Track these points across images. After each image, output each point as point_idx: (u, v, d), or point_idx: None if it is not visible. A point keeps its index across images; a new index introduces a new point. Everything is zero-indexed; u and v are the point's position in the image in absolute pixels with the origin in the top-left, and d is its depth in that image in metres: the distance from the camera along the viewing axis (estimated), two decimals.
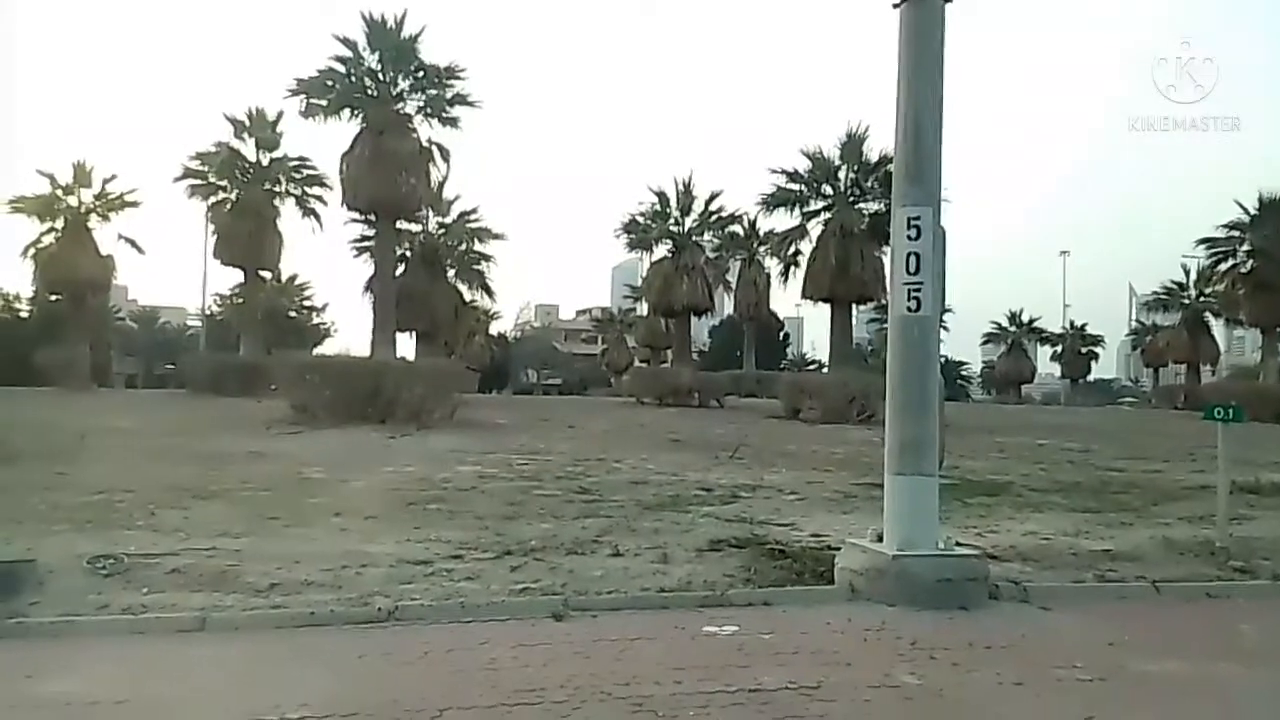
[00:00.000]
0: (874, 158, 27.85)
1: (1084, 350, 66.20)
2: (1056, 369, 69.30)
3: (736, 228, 37.28)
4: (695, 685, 4.55)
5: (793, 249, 30.58)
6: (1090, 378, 69.84)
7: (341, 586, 6.28)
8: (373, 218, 26.96)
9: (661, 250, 35.16)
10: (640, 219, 35.02)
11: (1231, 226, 37.84)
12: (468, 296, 38.33)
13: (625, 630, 5.52)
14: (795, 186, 29.64)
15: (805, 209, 29.78)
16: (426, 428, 18.16)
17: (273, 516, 8.74)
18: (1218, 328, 50.75)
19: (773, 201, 29.99)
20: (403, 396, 19.32)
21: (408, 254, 33.70)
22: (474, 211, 36.20)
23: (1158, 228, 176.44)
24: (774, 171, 29.62)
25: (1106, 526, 9.35)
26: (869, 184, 28.44)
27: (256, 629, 5.55)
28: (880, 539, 6.68)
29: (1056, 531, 8.94)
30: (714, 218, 35.08)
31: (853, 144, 28.64)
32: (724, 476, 12.67)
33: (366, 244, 33.03)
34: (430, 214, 33.37)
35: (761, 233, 36.96)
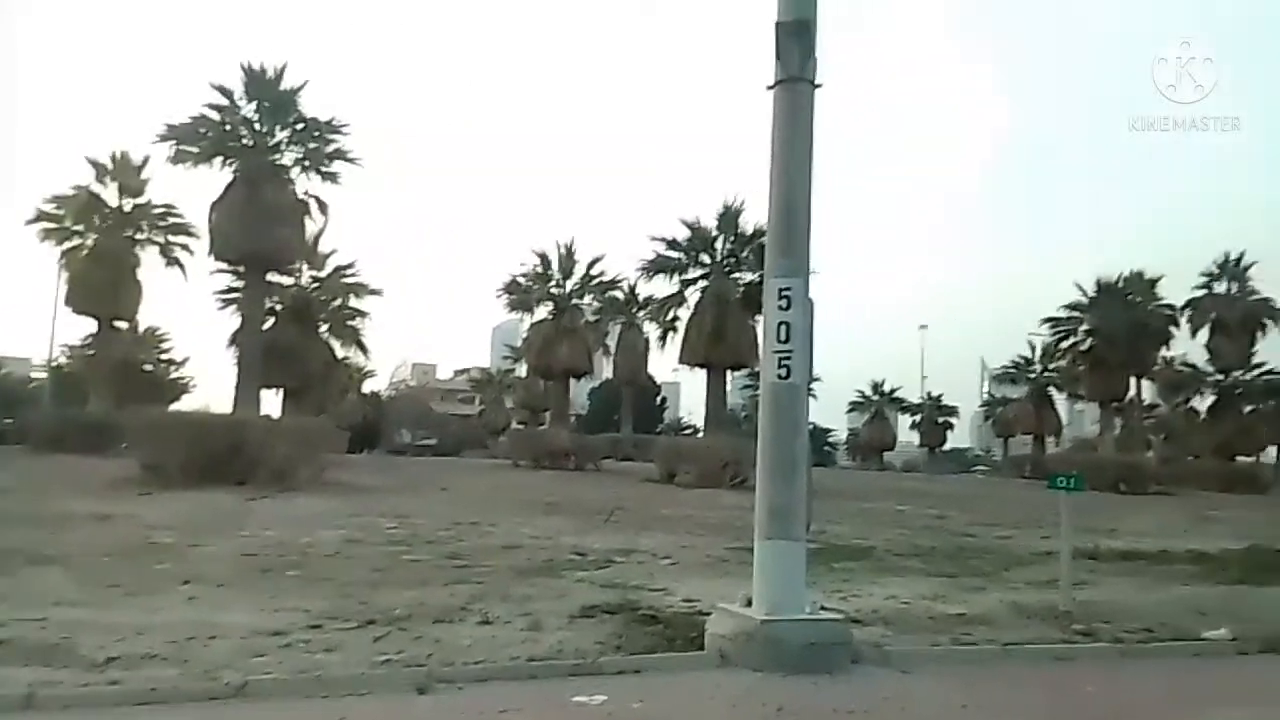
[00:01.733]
0: (749, 230, 28.92)
1: (940, 420, 69.70)
2: (916, 437, 72.57)
3: (617, 292, 37.85)
4: None
5: (671, 315, 31.24)
6: (946, 446, 73.39)
7: (187, 660, 5.88)
8: (241, 269, 26.03)
9: (542, 312, 35.27)
10: (521, 280, 35.11)
11: (1072, 307, 40.88)
12: (340, 353, 37.23)
13: (492, 702, 5.37)
14: (675, 254, 30.41)
15: (684, 277, 30.57)
16: (290, 489, 17.38)
17: (114, 584, 8.14)
18: (1060, 401, 54.45)
19: (653, 268, 30.68)
20: (265, 456, 18.46)
21: (277, 308, 32.56)
22: (350, 266, 35.44)
23: (1009, 305, 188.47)
24: (654, 239, 30.38)
25: (961, 591, 9.75)
26: (744, 255, 29.45)
27: (90, 707, 5.12)
28: (749, 604, 6.76)
29: (915, 595, 9.26)
30: (595, 281, 35.55)
31: (729, 216, 29.70)
32: (599, 541, 12.60)
33: (234, 296, 31.78)
34: (304, 267, 32.51)
35: (641, 298, 37.66)
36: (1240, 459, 45.47)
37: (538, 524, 14.35)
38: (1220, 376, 45.48)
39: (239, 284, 29.28)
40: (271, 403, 30.22)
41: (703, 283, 30.22)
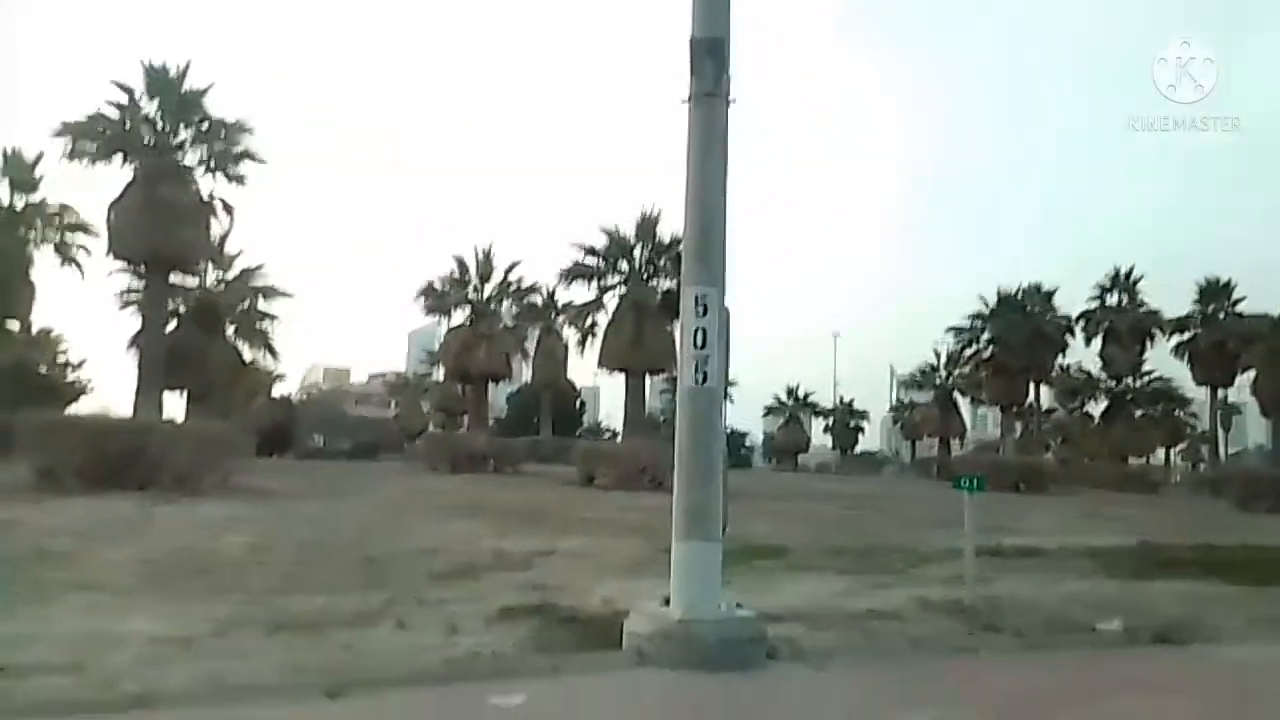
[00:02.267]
0: (667, 238, 29.22)
1: (852, 424, 71.65)
2: (829, 440, 74.34)
3: (536, 298, 37.75)
4: None
5: (590, 321, 31.32)
6: (858, 449, 75.38)
7: (82, 670, 5.62)
8: (142, 269, 25.07)
9: (460, 316, 34.93)
10: (438, 284, 34.71)
11: (975, 317, 42.59)
12: (249, 356, 36.06)
13: (407, 707, 5.30)
14: (593, 261, 30.51)
15: (603, 283, 30.71)
16: (195, 494, 16.75)
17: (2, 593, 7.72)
18: (965, 406, 56.52)
19: (572, 274, 30.72)
20: (168, 461, 17.76)
21: (181, 310, 31.42)
22: (259, 268, 34.44)
23: (919, 313, 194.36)
24: (574, 245, 30.40)
25: (871, 588, 10.01)
26: (662, 262, 29.74)
27: None
28: (667, 603, 6.82)
29: (827, 593, 9.48)
30: (513, 287, 35.43)
31: (647, 224, 29.94)
32: (518, 543, 12.52)
33: (134, 297, 30.54)
34: (209, 268, 31.48)
35: (560, 304, 37.61)
36: (1132, 460, 47.89)
37: (455, 527, 14.17)
38: (1113, 383, 47.89)
39: (140, 285, 28.21)
40: (175, 406, 29.17)
41: (621, 289, 30.38)
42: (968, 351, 44.17)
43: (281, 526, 13.38)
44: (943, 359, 53.30)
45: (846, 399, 71.13)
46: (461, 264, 34.72)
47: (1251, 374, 40.56)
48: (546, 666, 6.21)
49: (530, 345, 42.63)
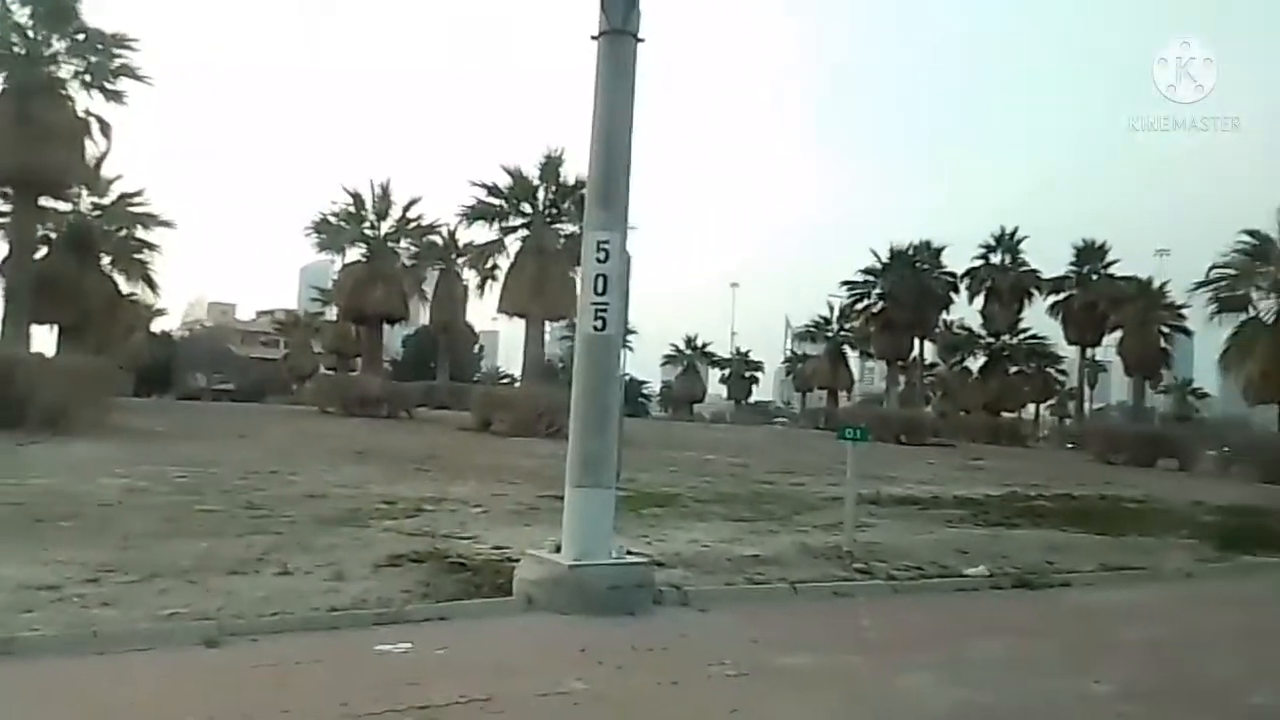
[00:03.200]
0: (571, 181, 28.82)
1: (747, 374, 73.17)
2: (724, 390, 75.82)
3: (435, 237, 36.82)
4: (362, 707, 4.41)
5: (491, 263, 30.79)
6: (752, 399, 77.18)
7: None
8: (9, 191, 23.30)
9: (355, 254, 33.82)
10: (333, 219, 33.44)
11: (867, 272, 43.73)
12: (126, 288, 34.12)
13: (288, 654, 5.23)
14: (495, 202, 29.90)
15: (505, 224, 30.14)
16: (67, 434, 15.94)
17: None
18: (854, 359, 58.37)
19: (473, 214, 30.05)
20: (37, 397, 16.81)
21: (52, 236, 29.41)
22: (139, 194, 32.38)
23: (815, 267, 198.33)
24: (475, 184, 29.70)
25: (757, 534, 10.36)
26: (565, 206, 29.37)
27: None
28: (558, 550, 6.91)
29: (715, 539, 9.75)
30: (412, 225, 34.42)
31: (551, 166, 29.46)
32: (409, 489, 12.40)
33: (0, 221, 28.41)
34: (84, 193, 29.47)
35: (461, 244, 36.81)
36: (1005, 414, 50.49)
37: (344, 472, 13.93)
38: (991, 339, 50.13)
39: (6, 208, 26.22)
40: (45, 341, 27.50)
41: (524, 232, 29.92)
42: (859, 306, 45.43)
43: (160, 468, 12.88)
44: (835, 313, 54.76)
45: (743, 350, 72.56)
46: (358, 199, 33.53)
47: (1119, 334, 43.13)
48: (434, 614, 6.23)
49: (428, 286, 41.73)
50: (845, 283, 45.14)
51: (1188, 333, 40.74)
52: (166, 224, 32.86)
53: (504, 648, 5.69)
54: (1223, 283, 29.79)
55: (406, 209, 33.96)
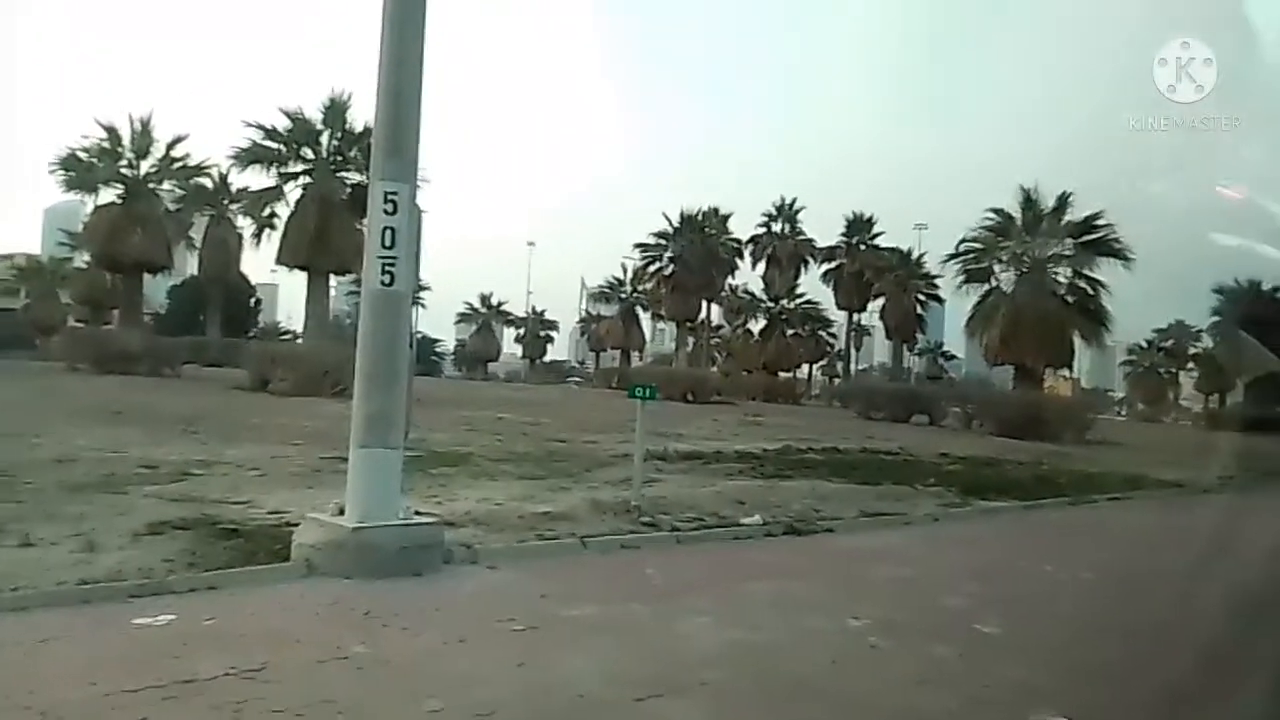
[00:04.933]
0: (360, 128, 27.47)
1: (542, 334, 73.37)
2: (519, 349, 75.70)
3: (205, 180, 34.07)
4: (118, 684, 4.09)
5: (268, 211, 28.98)
6: (547, 358, 77.56)
7: None
8: None
9: (110, 194, 30.65)
10: (83, 155, 30.08)
11: (659, 235, 44.94)
12: None
13: (31, 631, 4.76)
14: (273, 145, 27.99)
15: (284, 170, 28.32)
16: None
17: None
18: (646, 320, 60.03)
19: (247, 157, 28.00)
20: None
21: None
22: None
23: (612, 228, 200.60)
24: (249, 125, 27.64)
25: (549, 491, 10.48)
26: (352, 154, 28.03)
27: None
28: (342, 513, 6.67)
29: (507, 497, 9.77)
30: (177, 165, 31.58)
31: (336, 110, 27.96)
32: (174, 453, 11.51)
33: None
34: None
35: (235, 189, 34.24)
36: (782, 374, 53.79)
37: (98, 434, 12.70)
38: (772, 304, 53.15)
39: None
40: None
41: (306, 179, 28.26)
42: (651, 268, 46.66)
43: None
44: (629, 274, 55.87)
45: (539, 309, 72.52)
46: (113, 133, 30.29)
47: (881, 301, 46.96)
48: (202, 583, 5.85)
49: (197, 234, 38.56)
50: (638, 245, 46.25)
51: (940, 300, 45.13)
52: None
53: (280, 616, 5.45)
54: (970, 255, 33.02)
55: (171, 147, 31.15)
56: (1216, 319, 46.99)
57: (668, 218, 44.56)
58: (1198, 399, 57.32)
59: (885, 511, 11.07)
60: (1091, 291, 31.19)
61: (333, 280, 30.76)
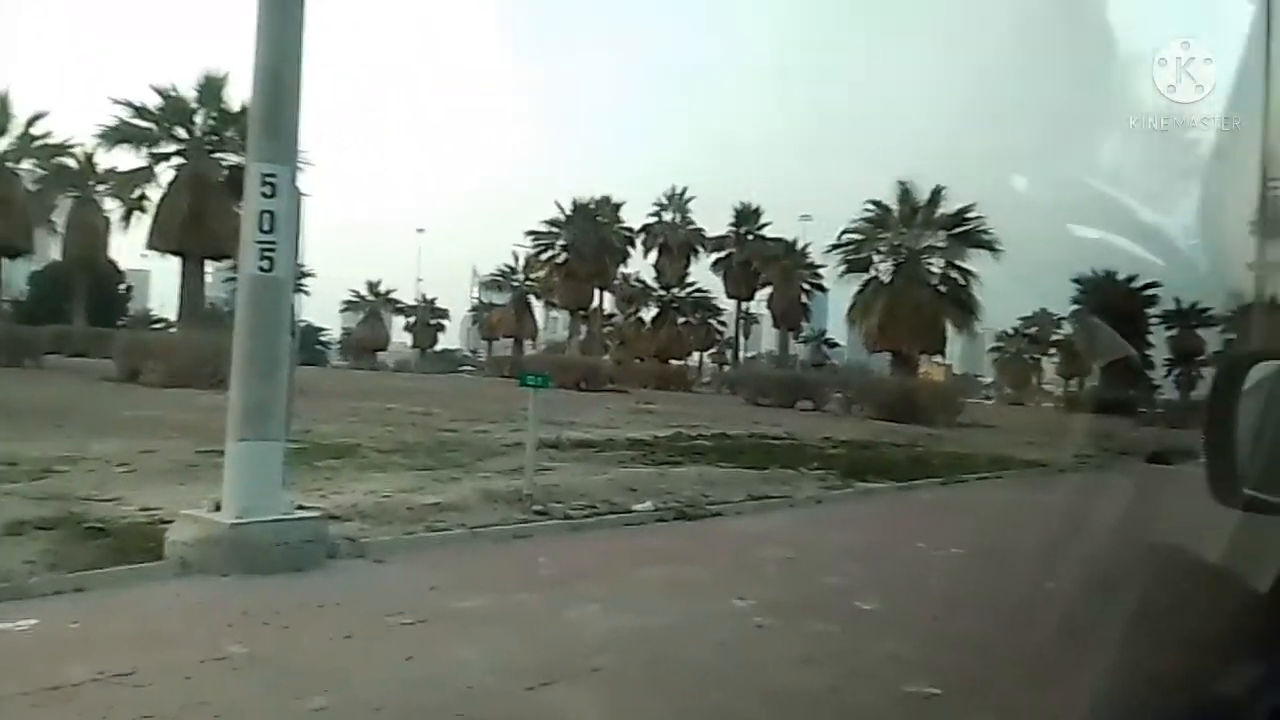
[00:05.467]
0: (237, 107, 26.31)
1: (433, 322, 71.97)
2: (409, 338, 74.05)
3: (69, 159, 31.98)
4: None
5: (138, 193, 27.47)
6: (438, 348, 76.09)
7: None
8: None
9: None
10: None
11: (552, 223, 44.81)
12: None
13: None
14: (144, 124, 26.55)
15: (155, 150, 26.91)
16: None
17: None
18: (539, 308, 59.72)
19: (115, 136, 26.51)
20: None
21: None
22: None
23: (502, 216, 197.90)
24: (117, 103, 26.13)
25: (439, 482, 10.32)
26: (229, 134, 26.83)
27: None
28: (219, 508, 6.43)
29: (395, 489, 9.58)
30: (37, 143, 29.59)
31: (212, 88, 26.75)
32: (35, 448, 10.81)
33: None
34: None
35: (101, 170, 32.28)
36: (674, 362, 54.42)
37: None
38: (663, 292, 53.67)
39: None
40: None
41: (179, 160, 26.91)
42: (544, 256, 46.48)
43: None
44: (521, 262, 55.43)
45: (429, 297, 71.07)
46: None
47: (769, 290, 48.03)
48: (66, 585, 5.55)
49: (60, 216, 36.20)
50: (530, 233, 45.99)
51: (824, 289, 46.47)
52: None
53: (152, 617, 5.23)
54: (850, 246, 34.14)
55: (30, 124, 29.14)
56: (1075, 307, 49.91)
57: (560, 206, 44.55)
58: (1059, 383, 60.77)
59: (771, 495, 11.37)
60: (963, 281, 32.72)
61: (209, 266, 29.43)
